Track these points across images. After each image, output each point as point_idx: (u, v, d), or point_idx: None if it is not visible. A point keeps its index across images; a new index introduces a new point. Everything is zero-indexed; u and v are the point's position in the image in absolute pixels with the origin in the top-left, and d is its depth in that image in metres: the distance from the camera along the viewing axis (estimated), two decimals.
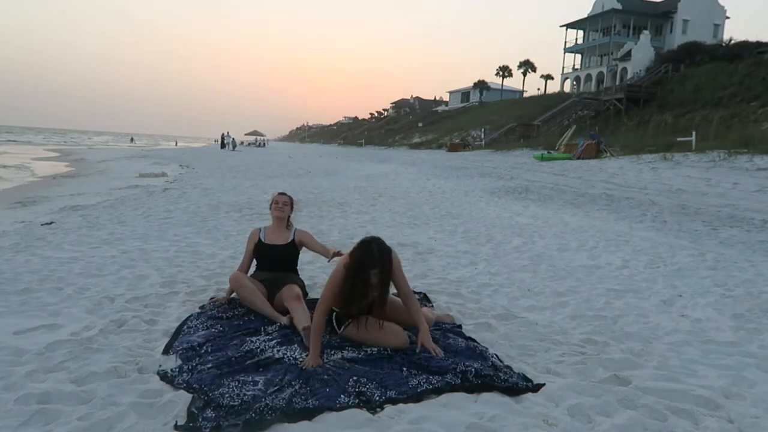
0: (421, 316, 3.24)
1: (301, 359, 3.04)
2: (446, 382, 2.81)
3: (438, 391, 2.75)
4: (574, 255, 6.31)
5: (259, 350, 3.16)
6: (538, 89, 74.53)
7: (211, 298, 4.14)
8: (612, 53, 49.39)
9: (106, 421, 2.36)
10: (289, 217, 4.29)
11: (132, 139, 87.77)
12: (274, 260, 4.17)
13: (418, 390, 2.73)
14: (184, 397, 2.61)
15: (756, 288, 5.00)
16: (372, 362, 3.00)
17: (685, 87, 34.71)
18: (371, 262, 3.06)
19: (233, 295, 4.01)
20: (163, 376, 2.81)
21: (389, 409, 2.57)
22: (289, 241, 4.21)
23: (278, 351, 3.16)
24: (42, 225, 7.30)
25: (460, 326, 3.67)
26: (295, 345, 3.26)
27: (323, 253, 4.10)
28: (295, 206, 4.39)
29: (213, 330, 3.46)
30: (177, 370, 2.88)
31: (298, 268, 4.36)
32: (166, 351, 3.16)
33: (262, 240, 4.20)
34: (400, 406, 2.59)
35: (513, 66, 68.58)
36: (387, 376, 2.85)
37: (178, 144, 79.84)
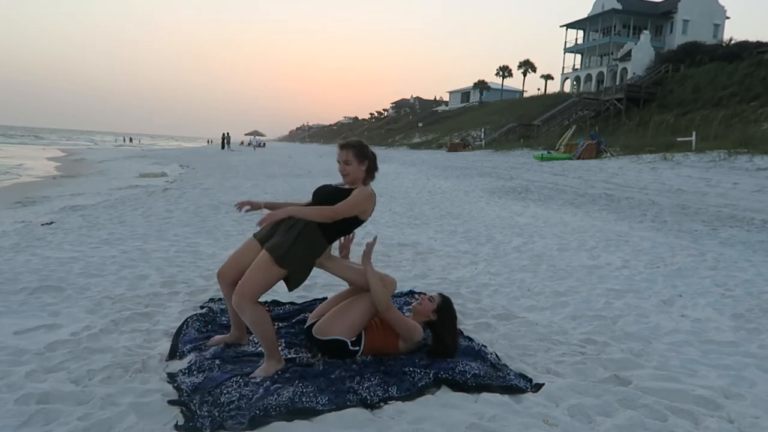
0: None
1: (299, 357, 3.04)
2: (446, 376, 2.83)
3: (438, 383, 2.79)
4: (574, 255, 6.31)
5: (257, 350, 3.16)
6: (538, 89, 74.62)
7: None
8: (612, 53, 49.38)
9: (106, 421, 2.35)
10: (362, 179, 3.10)
11: (130, 139, 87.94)
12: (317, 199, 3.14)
13: (419, 385, 2.74)
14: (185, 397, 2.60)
15: (756, 288, 5.00)
16: (376, 363, 3.00)
17: (685, 87, 34.70)
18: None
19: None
20: (171, 378, 2.78)
21: (389, 409, 2.56)
22: (344, 186, 3.14)
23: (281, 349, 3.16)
24: (42, 225, 7.29)
25: (460, 331, 3.66)
26: (295, 342, 3.26)
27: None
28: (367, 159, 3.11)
29: (211, 333, 3.44)
30: (186, 371, 2.86)
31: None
32: (172, 356, 3.09)
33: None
34: (400, 406, 2.59)
35: (513, 66, 68.68)
36: (389, 374, 2.85)
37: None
